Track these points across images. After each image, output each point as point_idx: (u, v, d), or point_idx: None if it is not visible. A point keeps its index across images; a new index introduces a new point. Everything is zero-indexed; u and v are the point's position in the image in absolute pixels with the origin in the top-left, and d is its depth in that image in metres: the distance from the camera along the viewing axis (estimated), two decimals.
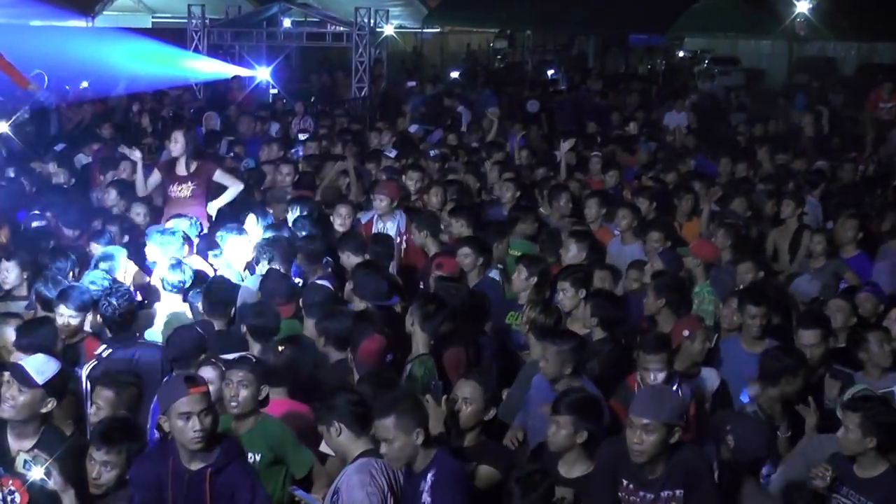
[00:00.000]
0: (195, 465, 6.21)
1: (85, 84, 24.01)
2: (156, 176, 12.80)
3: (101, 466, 6.43)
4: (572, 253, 10.87)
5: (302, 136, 19.21)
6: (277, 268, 10.14)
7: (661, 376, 7.85)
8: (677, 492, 6.40)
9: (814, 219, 13.58)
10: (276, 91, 26.58)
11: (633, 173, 16.28)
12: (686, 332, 8.60)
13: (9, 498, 6.48)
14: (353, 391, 6.90)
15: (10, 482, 6.46)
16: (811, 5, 32.45)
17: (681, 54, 47.33)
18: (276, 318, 8.80)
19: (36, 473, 6.21)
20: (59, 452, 6.41)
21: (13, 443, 6.56)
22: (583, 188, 14.57)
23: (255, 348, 8.53)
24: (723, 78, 37.62)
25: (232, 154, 17.22)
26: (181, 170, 12.56)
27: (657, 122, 23.66)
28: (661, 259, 10.74)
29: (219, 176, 12.58)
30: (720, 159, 16.91)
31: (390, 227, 12.14)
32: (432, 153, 17.06)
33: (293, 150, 17.83)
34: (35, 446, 6.49)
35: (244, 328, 8.74)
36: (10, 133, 16.12)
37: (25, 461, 6.31)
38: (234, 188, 12.70)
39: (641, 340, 8.12)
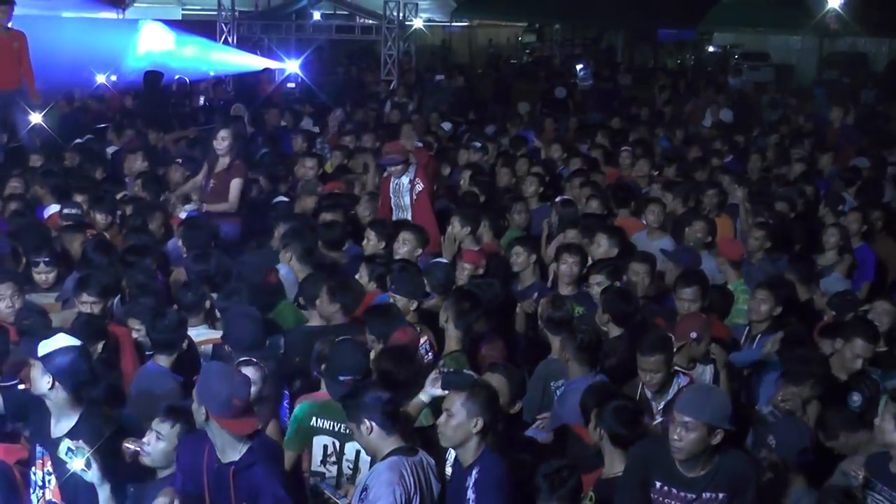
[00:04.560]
0: (224, 459, 6.24)
1: (114, 77, 24.06)
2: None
3: (155, 435, 6.61)
4: (603, 248, 10.85)
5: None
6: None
7: (657, 377, 7.83)
8: (720, 495, 6.34)
9: None
10: (293, 85, 26.57)
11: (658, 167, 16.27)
12: (694, 335, 8.55)
13: (47, 479, 6.56)
14: (382, 388, 6.89)
15: (49, 462, 6.54)
16: (842, 0, 32.27)
17: (710, 49, 47.17)
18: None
19: (77, 464, 6.23)
20: (100, 443, 6.44)
21: (54, 427, 6.60)
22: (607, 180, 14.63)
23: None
24: (752, 73, 37.50)
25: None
26: (219, 166, 12.49)
27: (689, 116, 23.64)
28: (676, 256, 10.70)
29: (233, 183, 12.44)
30: (751, 155, 16.88)
31: (405, 180, 12.37)
32: (477, 144, 17.17)
33: (318, 144, 17.91)
34: (73, 429, 6.51)
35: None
36: (43, 124, 16.15)
37: (68, 449, 6.33)
38: (227, 205, 12.37)
39: (640, 341, 8.04)
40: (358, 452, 7.07)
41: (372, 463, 6.65)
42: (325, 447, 7.19)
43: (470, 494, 6.27)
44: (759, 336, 9.48)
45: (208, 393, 6.16)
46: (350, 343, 7.58)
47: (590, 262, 10.51)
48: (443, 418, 6.39)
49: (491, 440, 6.52)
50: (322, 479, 7.11)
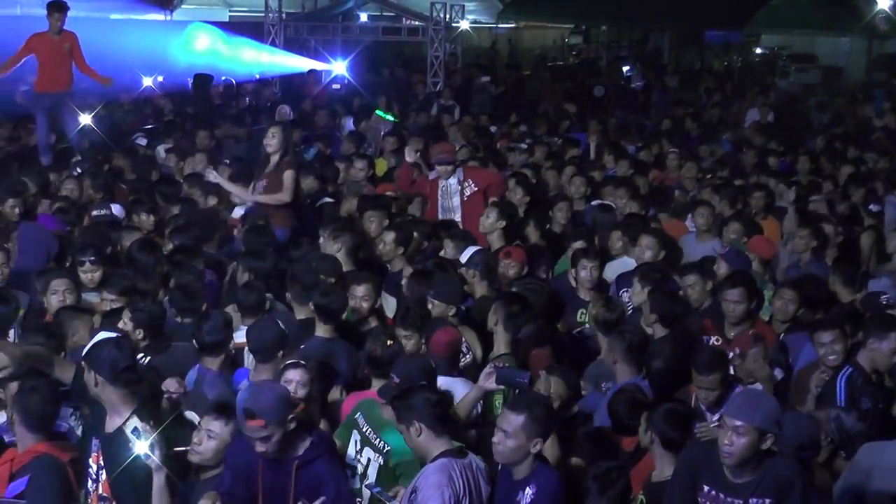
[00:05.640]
0: (283, 455, 6.26)
1: (160, 78, 24.17)
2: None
3: (206, 434, 6.69)
4: (647, 252, 10.82)
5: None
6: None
7: (713, 395, 7.74)
8: (767, 500, 6.30)
9: (893, 219, 13.45)
10: (338, 86, 26.62)
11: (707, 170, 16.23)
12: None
13: (101, 473, 6.60)
14: (432, 390, 6.88)
15: (101, 458, 6.59)
16: (892, 1, 32.00)
17: (757, 51, 46.89)
18: (344, 299, 8.83)
19: (140, 447, 6.29)
20: (161, 428, 6.49)
21: (108, 422, 6.64)
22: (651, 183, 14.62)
23: (320, 328, 8.59)
24: (799, 75, 37.26)
25: (305, 147, 17.35)
26: (269, 167, 12.53)
27: (736, 118, 23.57)
28: (726, 258, 10.67)
29: (286, 176, 12.44)
30: (798, 157, 16.80)
31: (453, 182, 12.51)
32: (523, 144, 17.21)
33: (365, 145, 17.96)
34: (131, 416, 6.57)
35: (311, 307, 8.76)
36: (92, 125, 16.26)
37: (135, 428, 6.38)
38: (280, 196, 12.37)
39: (695, 358, 7.94)
40: (369, 461, 7.15)
41: (421, 465, 6.66)
42: (356, 442, 7.25)
43: None
44: (781, 335, 9.51)
45: None
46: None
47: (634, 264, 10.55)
48: (499, 437, 6.34)
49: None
50: (354, 472, 7.16)
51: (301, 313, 9.11)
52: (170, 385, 7.32)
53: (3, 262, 9.97)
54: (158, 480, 6.36)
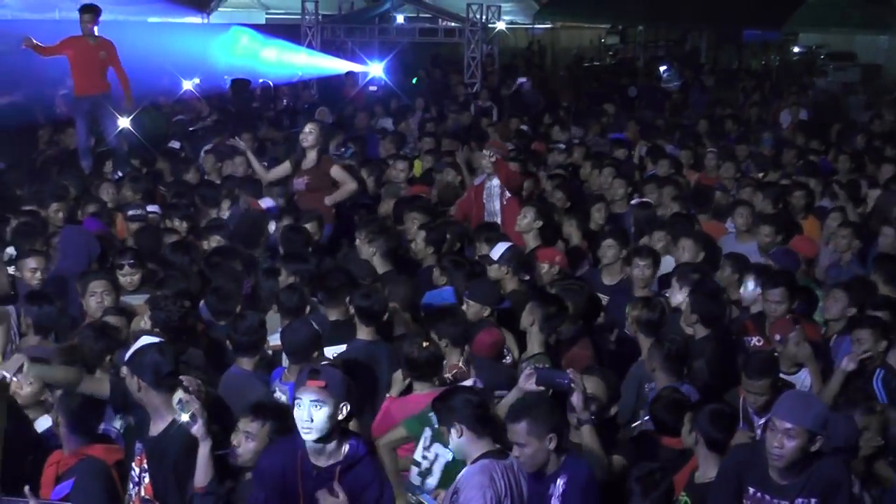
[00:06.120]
0: (323, 462, 6.22)
1: (197, 80, 24.26)
2: (284, 167, 13.00)
3: (244, 435, 6.71)
4: (687, 253, 10.79)
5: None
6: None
7: (762, 400, 7.68)
8: (812, 501, 6.26)
9: None
10: (374, 88, 26.65)
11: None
12: (777, 337, 8.50)
13: (143, 476, 6.63)
14: (473, 391, 6.87)
15: (145, 461, 6.62)
16: None
17: (795, 50, 46.66)
18: (384, 301, 8.82)
19: (184, 417, 6.34)
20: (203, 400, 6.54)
21: (152, 426, 6.66)
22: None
23: (362, 331, 8.57)
24: (838, 74, 37.06)
25: (345, 149, 17.36)
26: (306, 163, 12.65)
27: (774, 117, 23.47)
28: (775, 258, 10.61)
29: (335, 172, 12.63)
30: (838, 157, 16.70)
31: (495, 183, 12.59)
32: (562, 145, 17.20)
33: (408, 147, 17.97)
34: (165, 430, 6.58)
35: (352, 310, 8.76)
36: (131, 129, 16.33)
37: (179, 400, 6.42)
38: (348, 186, 12.72)
39: (746, 362, 7.92)
40: (437, 456, 7.16)
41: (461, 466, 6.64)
42: (426, 438, 7.26)
43: (554, 503, 6.26)
44: (834, 336, 9.47)
45: None
46: None
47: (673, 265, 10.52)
48: (517, 450, 6.36)
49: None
50: (418, 467, 7.20)
51: (332, 315, 9.09)
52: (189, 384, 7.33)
53: (40, 266, 9.98)
54: (203, 451, 6.40)
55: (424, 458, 7.23)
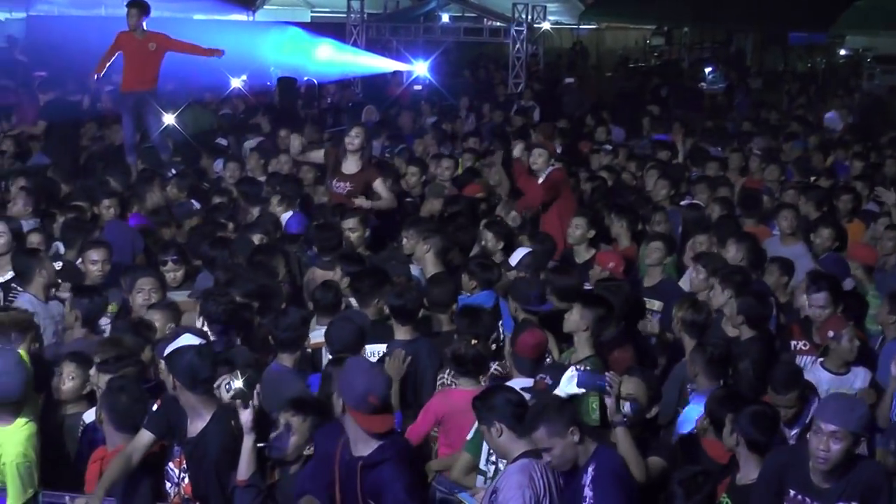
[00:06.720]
0: (356, 453, 6.26)
1: (244, 77, 24.34)
2: (318, 153, 13.10)
3: (285, 429, 6.70)
4: (731, 254, 10.73)
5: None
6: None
7: (791, 412, 7.64)
8: None
9: None
10: (419, 87, 26.66)
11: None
12: (831, 333, 8.45)
13: (182, 476, 6.68)
14: (513, 391, 6.86)
15: (184, 463, 6.66)
16: None
17: (842, 52, 46.35)
18: (419, 298, 8.82)
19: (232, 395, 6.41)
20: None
21: (189, 426, 6.69)
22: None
23: (399, 331, 8.56)
24: (885, 77, 36.81)
25: (394, 147, 17.41)
26: (348, 167, 12.39)
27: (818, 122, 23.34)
28: (824, 264, 10.53)
29: (378, 185, 12.34)
30: (886, 160, 16.59)
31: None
32: (607, 147, 17.20)
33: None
34: (203, 431, 6.61)
35: (386, 309, 8.76)
36: (175, 125, 16.39)
37: (227, 383, 6.46)
38: (385, 203, 12.34)
39: (772, 375, 7.80)
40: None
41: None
42: (487, 450, 7.18)
43: (587, 492, 6.26)
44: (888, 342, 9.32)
45: (347, 385, 6.26)
46: None
47: None
48: (546, 456, 6.33)
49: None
50: (485, 477, 7.15)
51: (370, 314, 9.07)
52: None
53: (104, 258, 9.83)
54: (247, 443, 6.43)
55: (490, 464, 7.19)
